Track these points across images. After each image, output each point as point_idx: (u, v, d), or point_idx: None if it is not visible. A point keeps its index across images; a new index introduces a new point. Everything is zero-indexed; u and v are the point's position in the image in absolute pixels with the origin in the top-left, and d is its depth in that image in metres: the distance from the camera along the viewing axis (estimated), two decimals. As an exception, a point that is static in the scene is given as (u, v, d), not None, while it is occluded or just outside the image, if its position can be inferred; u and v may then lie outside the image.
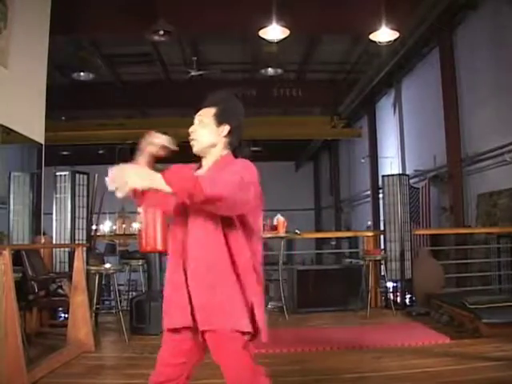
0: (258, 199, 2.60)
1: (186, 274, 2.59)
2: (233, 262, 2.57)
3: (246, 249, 2.61)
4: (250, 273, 2.60)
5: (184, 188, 2.29)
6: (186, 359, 2.64)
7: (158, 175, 2.29)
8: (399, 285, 8.89)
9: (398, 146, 15.31)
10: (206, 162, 2.78)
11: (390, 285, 8.89)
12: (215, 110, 2.76)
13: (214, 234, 2.58)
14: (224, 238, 2.58)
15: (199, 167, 2.79)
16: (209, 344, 2.58)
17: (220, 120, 2.74)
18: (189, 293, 2.56)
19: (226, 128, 2.74)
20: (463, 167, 11.41)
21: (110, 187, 2.35)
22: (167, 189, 2.28)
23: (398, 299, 8.88)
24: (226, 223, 2.58)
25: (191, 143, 2.79)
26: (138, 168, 2.50)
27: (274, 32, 9.07)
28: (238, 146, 2.82)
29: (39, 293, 6.34)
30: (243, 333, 2.54)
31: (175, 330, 2.60)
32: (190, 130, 2.79)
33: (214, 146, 2.76)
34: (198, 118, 2.81)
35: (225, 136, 2.75)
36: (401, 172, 13.93)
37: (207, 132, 2.75)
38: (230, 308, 2.54)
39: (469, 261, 10.17)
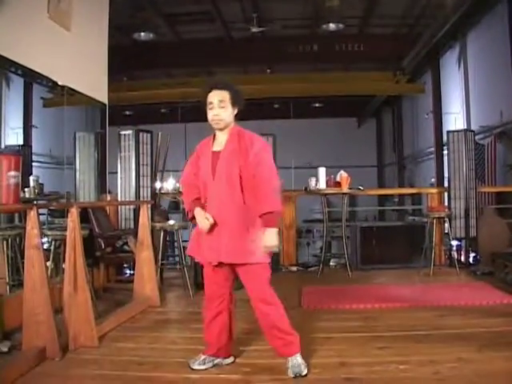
0: None
1: None
2: None
3: None
4: None
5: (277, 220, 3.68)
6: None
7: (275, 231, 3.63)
8: (463, 243, 8.77)
9: (462, 101, 14.88)
10: (221, 134, 3.79)
11: (454, 243, 8.75)
12: (229, 95, 3.73)
13: None
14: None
15: (214, 138, 3.84)
16: None
17: (233, 104, 3.75)
18: None
19: (236, 110, 3.78)
20: (531, 123, 11.04)
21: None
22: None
23: (462, 258, 8.78)
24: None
25: (218, 123, 3.73)
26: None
27: (335, -14, 8.88)
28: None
29: (106, 249, 6.53)
30: None
31: None
32: (216, 113, 3.70)
33: (229, 124, 3.79)
34: (219, 101, 3.71)
35: (235, 115, 3.80)
36: (465, 128, 13.57)
37: (228, 114, 3.74)
38: None
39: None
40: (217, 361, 3.94)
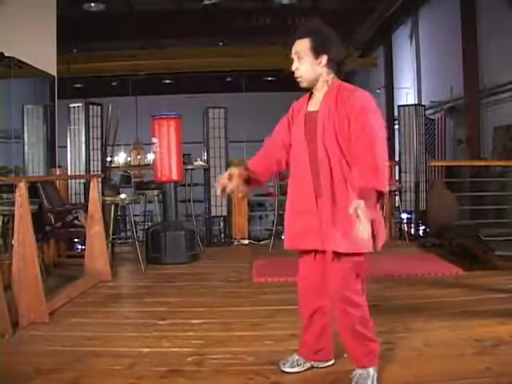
0: None
1: None
2: None
3: None
4: None
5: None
6: None
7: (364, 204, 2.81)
8: (413, 216, 8.91)
9: (414, 76, 15.07)
10: (317, 91, 3.08)
11: (404, 216, 8.90)
12: (310, 43, 2.96)
13: None
14: None
15: (310, 96, 3.14)
16: None
17: (317, 52, 2.96)
18: None
19: (325, 58, 2.97)
20: (480, 99, 11.22)
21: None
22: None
23: (412, 230, 8.92)
24: None
25: (298, 80, 3.06)
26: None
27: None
28: (338, 63, 3.08)
29: (56, 224, 6.42)
30: None
31: None
32: (293, 68, 3.01)
33: (318, 77, 3.03)
34: (295, 54, 3.00)
35: (325, 65, 2.99)
36: (416, 103, 13.73)
37: (308, 67, 2.99)
38: None
39: (483, 193, 10.08)
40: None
